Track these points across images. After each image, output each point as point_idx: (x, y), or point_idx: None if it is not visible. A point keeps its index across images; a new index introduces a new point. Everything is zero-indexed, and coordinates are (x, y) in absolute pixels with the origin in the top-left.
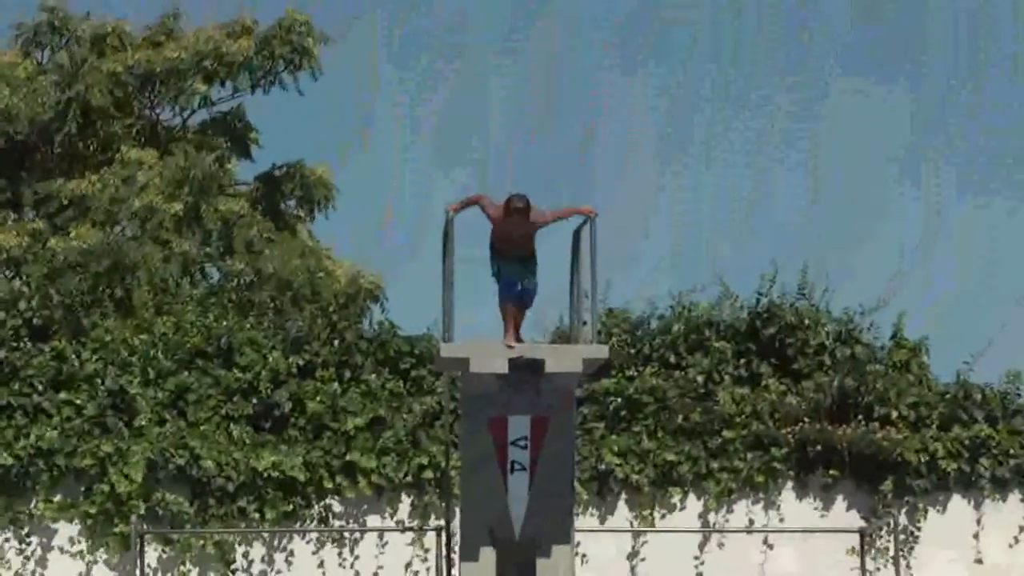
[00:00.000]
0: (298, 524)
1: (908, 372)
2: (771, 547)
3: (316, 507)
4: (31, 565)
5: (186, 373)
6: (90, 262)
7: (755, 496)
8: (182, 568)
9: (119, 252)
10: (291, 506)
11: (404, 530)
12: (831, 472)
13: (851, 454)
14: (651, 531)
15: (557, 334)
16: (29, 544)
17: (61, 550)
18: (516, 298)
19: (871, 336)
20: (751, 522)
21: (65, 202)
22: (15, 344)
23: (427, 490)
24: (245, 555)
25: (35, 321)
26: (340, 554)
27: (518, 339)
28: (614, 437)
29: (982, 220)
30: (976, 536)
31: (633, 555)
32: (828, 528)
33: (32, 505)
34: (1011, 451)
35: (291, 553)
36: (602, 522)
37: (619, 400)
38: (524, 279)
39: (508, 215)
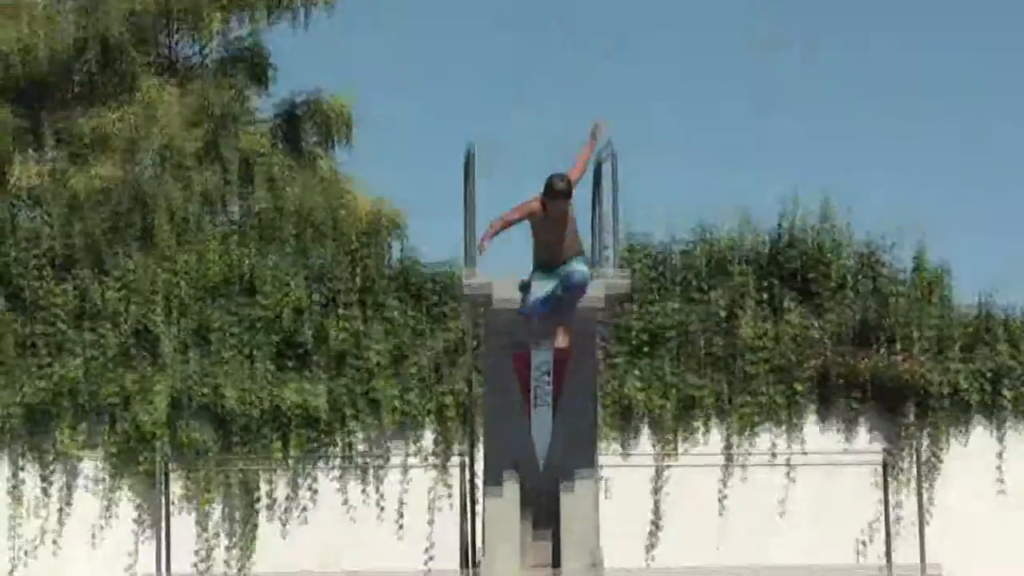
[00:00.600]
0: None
1: (930, 300)
2: (794, 477)
3: (339, 440)
4: (55, 499)
5: (209, 306)
6: (111, 197)
7: (778, 426)
8: (206, 499)
9: (139, 187)
10: (315, 440)
11: (427, 465)
12: (854, 401)
13: (873, 383)
14: (675, 466)
15: None
16: (53, 479)
17: (85, 487)
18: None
19: (893, 264)
20: (774, 449)
21: (86, 139)
22: (38, 279)
23: (450, 422)
24: (269, 489)
25: (57, 258)
26: (363, 487)
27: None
28: (636, 369)
29: None
30: (999, 466)
31: (657, 488)
32: (851, 458)
33: (56, 440)
34: None
35: (315, 484)
36: (625, 453)
37: (641, 331)
38: (566, 282)
39: (551, 199)
